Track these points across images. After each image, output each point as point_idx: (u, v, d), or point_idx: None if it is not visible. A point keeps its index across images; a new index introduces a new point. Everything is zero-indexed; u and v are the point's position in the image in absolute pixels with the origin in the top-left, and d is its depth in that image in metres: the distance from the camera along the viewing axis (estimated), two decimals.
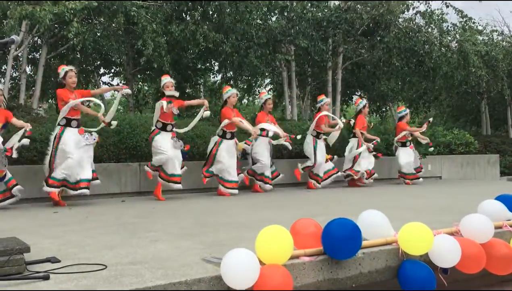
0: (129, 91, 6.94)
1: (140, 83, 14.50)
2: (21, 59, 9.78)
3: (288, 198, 7.28)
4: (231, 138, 7.78)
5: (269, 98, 8.69)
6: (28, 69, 10.70)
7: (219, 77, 14.27)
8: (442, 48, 12.54)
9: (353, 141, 9.42)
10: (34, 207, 6.17)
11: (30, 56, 10.71)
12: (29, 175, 6.66)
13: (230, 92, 7.89)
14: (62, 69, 6.47)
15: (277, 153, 9.09)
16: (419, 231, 3.05)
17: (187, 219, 4.84)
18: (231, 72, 12.99)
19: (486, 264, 3.19)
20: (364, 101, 9.91)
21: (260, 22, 11.19)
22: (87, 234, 3.93)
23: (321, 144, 8.91)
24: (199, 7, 10.20)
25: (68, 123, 6.36)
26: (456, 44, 13.15)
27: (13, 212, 5.77)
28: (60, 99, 6.36)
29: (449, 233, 3.30)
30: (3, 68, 10.30)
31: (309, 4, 12.74)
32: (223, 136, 7.71)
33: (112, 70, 13.07)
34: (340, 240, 2.79)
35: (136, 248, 3.23)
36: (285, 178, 8.64)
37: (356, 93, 16.55)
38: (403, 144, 9.99)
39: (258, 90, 17.13)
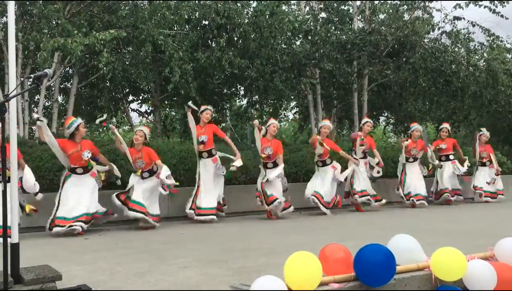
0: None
1: (167, 109, 14.74)
2: (53, 89, 10.08)
3: (314, 222, 7.20)
4: None
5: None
6: (60, 98, 11.02)
7: (245, 101, 14.38)
8: (470, 68, 12.35)
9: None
10: (66, 234, 6.26)
11: (62, 86, 11.04)
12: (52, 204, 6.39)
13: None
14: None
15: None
16: (452, 257, 2.97)
17: (215, 245, 4.84)
18: (257, 97, 13.07)
19: None
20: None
21: (285, 46, 11.30)
22: (117, 260, 3.97)
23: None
24: (224, 34, 10.38)
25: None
26: (484, 63, 12.95)
27: (45, 239, 5.88)
28: None
29: (483, 258, 3.21)
30: (36, 97, 10.63)
31: (333, 27, 12.80)
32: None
33: (141, 97, 13.34)
34: (373, 266, 2.75)
35: (165, 275, 3.25)
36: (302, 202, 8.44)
37: (383, 114, 16.39)
38: (483, 164, 10.49)
39: (284, 113, 17.15)
